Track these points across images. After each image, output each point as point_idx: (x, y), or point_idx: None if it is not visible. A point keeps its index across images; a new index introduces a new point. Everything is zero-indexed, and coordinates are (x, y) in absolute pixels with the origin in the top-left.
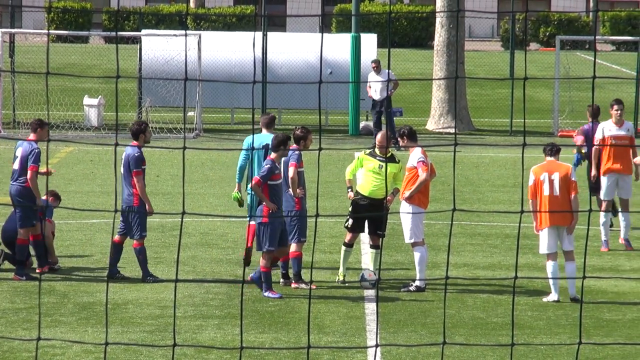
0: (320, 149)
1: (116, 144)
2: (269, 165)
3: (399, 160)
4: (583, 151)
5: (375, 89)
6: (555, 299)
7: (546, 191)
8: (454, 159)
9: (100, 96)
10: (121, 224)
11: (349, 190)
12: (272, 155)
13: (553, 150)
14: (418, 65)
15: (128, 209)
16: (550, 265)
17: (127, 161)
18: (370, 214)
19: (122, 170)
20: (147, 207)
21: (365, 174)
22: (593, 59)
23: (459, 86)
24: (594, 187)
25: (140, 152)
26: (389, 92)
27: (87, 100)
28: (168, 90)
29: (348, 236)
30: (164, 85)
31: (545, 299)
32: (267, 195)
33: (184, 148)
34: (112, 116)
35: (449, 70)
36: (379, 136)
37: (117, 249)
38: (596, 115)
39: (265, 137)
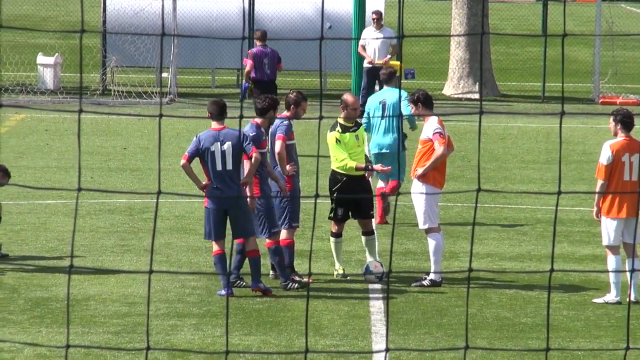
0: (320, 118)
1: (80, 111)
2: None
3: (361, 123)
4: (251, 80)
5: (374, 47)
6: (616, 299)
7: (626, 175)
8: (479, 130)
9: (57, 54)
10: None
11: (369, 167)
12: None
13: (631, 124)
14: (434, 18)
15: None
16: (612, 259)
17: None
18: (359, 195)
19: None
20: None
21: (346, 152)
22: None
23: (483, 44)
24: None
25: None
26: (385, 59)
27: (41, 58)
28: (137, 48)
29: (335, 226)
30: (132, 41)
31: (601, 300)
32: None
33: (160, 116)
34: (70, 77)
35: (470, 25)
36: (350, 98)
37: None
38: (263, 38)
39: (384, 93)
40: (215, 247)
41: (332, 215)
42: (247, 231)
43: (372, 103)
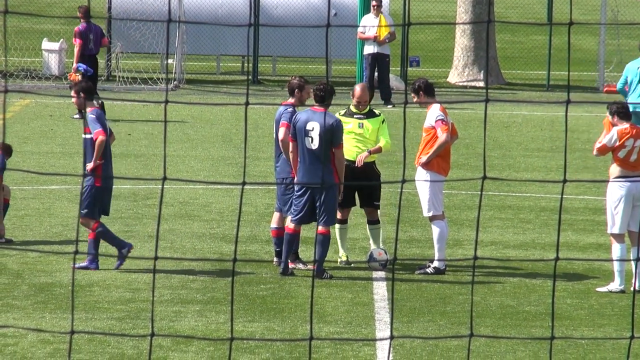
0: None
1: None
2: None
3: (380, 113)
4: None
5: (374, 34)
6: (620, 288)
7: (621, 153)
8: (485, 118)
9: (61, 40)
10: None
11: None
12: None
13: (628, 114)
14: (438, 6)
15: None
16: (617, 248)
17: (302, 126)
18: (360, 182)
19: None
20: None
21: (345, 138)
22: None
23: (489, 32)
24: None
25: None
26: (385, 40)
27: (46, 44)
28: (142, 34)
29: (339, 212)
30: (138, 27)
31: (605, 288)
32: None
33: (166, 102)
34: None
35: (475, 12)
36: (358, 90)
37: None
38: (87, 15)
39: None
40: (93, 224)
41: None
42: (108, 212)
43: (632, 69)
